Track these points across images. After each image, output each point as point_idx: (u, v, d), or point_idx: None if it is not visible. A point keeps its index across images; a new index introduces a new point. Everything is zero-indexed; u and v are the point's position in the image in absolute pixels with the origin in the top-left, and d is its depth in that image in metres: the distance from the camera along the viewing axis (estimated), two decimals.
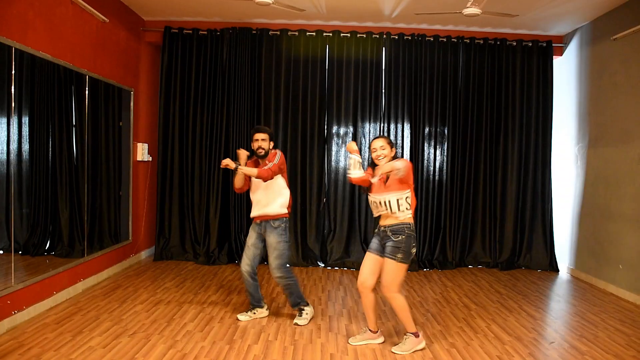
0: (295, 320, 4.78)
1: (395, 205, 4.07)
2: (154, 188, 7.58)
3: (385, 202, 4.09)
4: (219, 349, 4.07)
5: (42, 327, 4.43)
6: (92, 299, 5.34)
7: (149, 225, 7.58)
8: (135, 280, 6.16)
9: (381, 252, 4.18)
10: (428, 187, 7.33)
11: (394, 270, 4.05)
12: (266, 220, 4.72)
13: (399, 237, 4.05)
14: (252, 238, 4.81)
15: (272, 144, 4.79)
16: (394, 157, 4.22)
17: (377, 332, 4.36)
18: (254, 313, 4.90)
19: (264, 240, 4.79)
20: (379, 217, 4.24)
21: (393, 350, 4.14)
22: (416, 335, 4.17)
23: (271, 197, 4.71)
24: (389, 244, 4.08)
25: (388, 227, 4.11)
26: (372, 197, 4.19)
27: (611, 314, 5.32)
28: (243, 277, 4.83)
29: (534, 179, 7.49)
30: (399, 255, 4.03)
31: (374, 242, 4.26)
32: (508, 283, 6.54)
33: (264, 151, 4.70)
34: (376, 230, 4.29)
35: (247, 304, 5.21)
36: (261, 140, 4.69)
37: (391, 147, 4.23)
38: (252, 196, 4.80)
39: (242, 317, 4.85)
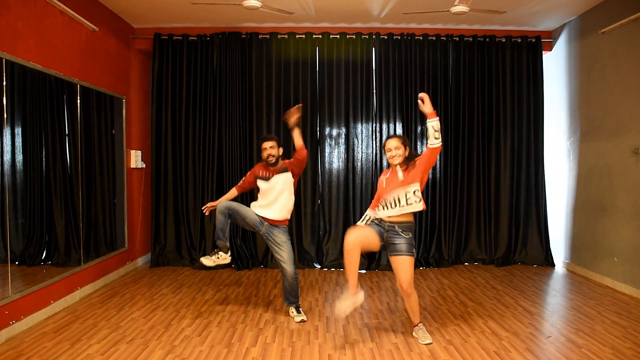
0: (297, 319, 4.90)
1: (403, 199, 4.17)
2: (148, 195, 7.59)
3: (395, 199, 4.19)
4: (217, 353, 4.08)
5: (41, 336, 4.44)
6: (89, 306, 5.35)
7: (144, 232, 7.59)
8: (132, 287, 6.17)
9: (379, 234, 4.25)
10: None
11: (411, 266, 4.19)
12: (275, 225, 4.94)
13: (409, 234, 4.19)
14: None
15: (281, 150, 4.96)
16: (409, 157, 4.29)
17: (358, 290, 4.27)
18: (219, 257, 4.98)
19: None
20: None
21: (422, 342, 4.29)
22: (416, 325, 4.41)
23: (289, 202, 4.99)
24: (401, 241, 4.17)
25: (397, 223, 4.21)
26: (392, 194, 4.24)
27: (607, 306, 5.35)
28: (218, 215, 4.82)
29: (527, 174, 7.53)
30: (414, 251, 4.22)
31: (375, 227, 4.31)
32: (504, 279, 6.57)
33: (274, 158, 4.87)
34: (376, 221, 4.36)
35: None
36: (270, 148, 4.85)
37: (405, 147, 4.29)
38: (263, 200, 4.93)
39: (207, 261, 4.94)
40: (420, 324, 4.40)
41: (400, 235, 4.19)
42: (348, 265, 4.18)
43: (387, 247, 4.31)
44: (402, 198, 4.18)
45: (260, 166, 5.03)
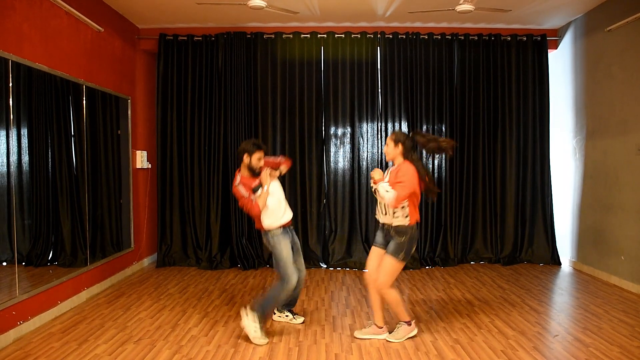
0: (300, 320, 4.88)
1: (391, 211, 4.21)
2: (154, 195, 7.60)
3: (383, 204, 4.25)
4: (224, 353, 4.09)
5: (48, 337, 4.46)
6: (96, 307, 5.36)
7: (150, 232, 7.60)
8: (139, 287, 6.18)
9: (385, 246, 4.31)
10: None
11: (392, 267, 4.18)
12: (290, 225, 4.71)
13: (402, 237, 4.16)
14: (289, 247, 4.54)
15: None
16: (406, 153, 4.28)
17: (382, 327, 4.41)
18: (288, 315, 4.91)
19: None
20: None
21: (387, 339, 4.34)
22: (408, 323, 4.37)
23: None
24: (391, 243, 4.21)
25: (393, 227, 4.21)
26: (378, 196, 4.27)
27: (614, 305, 5.33)
28: (298, 286, 4.66)
29: (533, 173, 7.51)
30: (401, 255, 4.16)
31: (379, 236, 4.39)
32: (510, 278, 6.55)
33: (262, 169, 4.58)
34: (380, 225, 4.39)
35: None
36: (263, 158, 4.54)
37: (395, 144, 4.28)
38: (277, 207, 4.52)
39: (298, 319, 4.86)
40: (402, 322, 4.38)
41: (393, 237, 4.22)
42: (371, 302, 4.47)
43: None
44: (389, 210, 4.22)
45: (244, 178, 4.49)
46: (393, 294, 4.25)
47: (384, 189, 4.11)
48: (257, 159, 4.47)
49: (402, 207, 4.17)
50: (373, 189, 4.32)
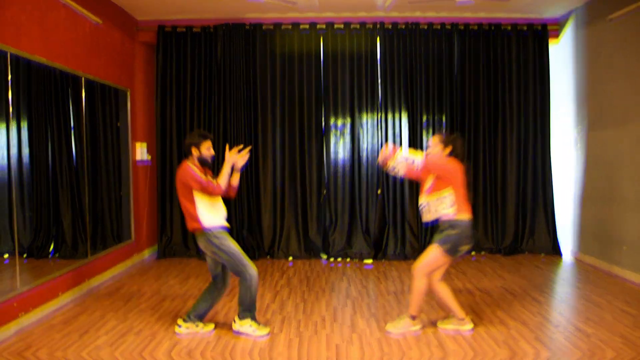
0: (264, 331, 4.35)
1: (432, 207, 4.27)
2: (154, 187, 7.59)
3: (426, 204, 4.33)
4: (224, 343, 4.09)
5: (49, 328, 4.46)
6: (97, 299, 5.37)
7: (150, 224, 7.59)
8: (139, 279, 6.18)
9: None
10: None
11: (433, 255, 4.19)
12: None
13: (452, 230, 4.14)
14: (233, 241, 4.29)
15: None
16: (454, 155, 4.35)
17: (463, 318, 4.32)
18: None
19: None
20: None
21: (387, 329, 4.33)
22: (413, 318, 4.31)
23: None
24: (442, 233, 4.19)
25: (442, 220, 4.23)
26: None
27: (616, 295, 5.32)
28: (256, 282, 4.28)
29: (534, 164, 7.48)
30: (445, 247, 4.13)
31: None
32: (512, 268, 6.55)
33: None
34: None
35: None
36: (210, 148, 4.33)
37: (445, 146, 4.32)
38: (216, 206, 4.31)
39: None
40: (407, 316, 4.32)
41: (443, 230, 4.20)
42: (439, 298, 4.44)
43: None
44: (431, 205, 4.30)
45: (198, 169, 4.25)
46: (422, 283, 4.21)
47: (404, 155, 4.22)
48: (206, 148, 4.26)
49: (444, 196, 4.17)
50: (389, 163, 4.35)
